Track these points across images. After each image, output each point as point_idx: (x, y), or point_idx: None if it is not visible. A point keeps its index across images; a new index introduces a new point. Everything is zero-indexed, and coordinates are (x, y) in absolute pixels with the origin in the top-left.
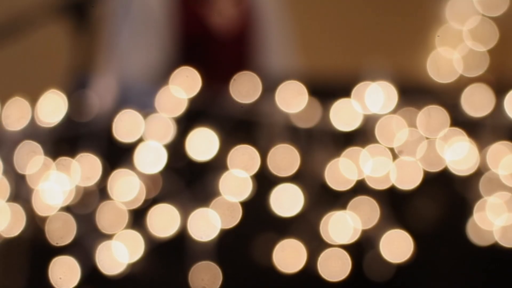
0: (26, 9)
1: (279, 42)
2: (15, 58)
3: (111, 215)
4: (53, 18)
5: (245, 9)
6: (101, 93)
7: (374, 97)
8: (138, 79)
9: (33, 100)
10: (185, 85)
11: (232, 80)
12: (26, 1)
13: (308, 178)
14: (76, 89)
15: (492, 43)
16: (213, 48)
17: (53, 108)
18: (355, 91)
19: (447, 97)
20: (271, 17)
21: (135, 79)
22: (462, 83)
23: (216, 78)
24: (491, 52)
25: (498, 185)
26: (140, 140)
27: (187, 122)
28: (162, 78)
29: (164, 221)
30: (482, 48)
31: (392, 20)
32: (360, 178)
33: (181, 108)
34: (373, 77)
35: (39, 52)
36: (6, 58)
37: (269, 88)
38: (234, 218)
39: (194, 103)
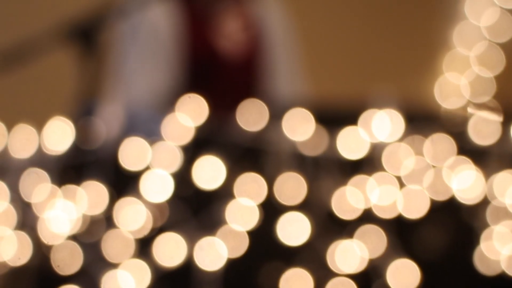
0: (32, 36)
1: (286, 68)
2: (21, 85)
3: (117, 244)
4: (59, 44)
5: (253, 34)
6: (107, 120)
7: (381, 125)
8: (145, 105)
9: (39, 126)
10: (192, 112)
11: (238, 107)
12: (31, 27)
13: (314, 206)
14: (82, 116)
15: (499, 69)
16: (220, 73)
17: (59, 135)
18: (362, 118)
19: (453, 125)
20: (279, 42)
21: (142, 106)
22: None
23: (223, 103)
24: (498, 78)
25: (505, 214)
26: (146, 168)
27: (194, 150)
28: (170, 103)
29: (171, 250)
30: (489, 74)
31: (399, 44)
32: (367, 206)
33: (188, 136)
34: (380, 105)
35: (45, 78)
36: (12, 84)
37: (276, 115)
38: (241, 247)
39: (201, 130)
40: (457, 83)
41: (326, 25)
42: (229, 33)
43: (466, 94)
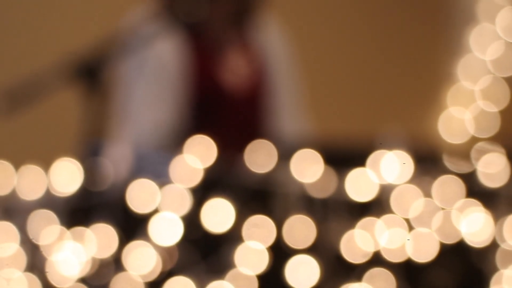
0: (37, 74)
1: (291, 103)
2: (27, 124)
3: (126, 287)
4: (64, 82)
5: (257, 68)
6: (115, 161)
7: (390, 166)
8: (152, 141)
9: (46, 167)
10: (200, 154)
11: (246, 148)
12: (36, 65)
13: (323, 249)
14: (89, 156)
15: (504, 104)
16: (226, 107)
17: (67, 176)
18: (370, 160)
19: (462, 166)
20: (283, 77)
21: (150, 146)
22: (476, 150)
23: (229, 137)
24: (503, 112)
25: None
26: (155, 211)
27: (202, 192)
28: (177, 137)
29: None
30: (494, 109)
31: (404, 77)
32: (375, 249)
33: (196, 178)
34: (388, 146)
35: (51, 118)
36: (18, 124)
37: (284, 156)
38: None
39: (210, 172)
40: (462, 117)
41: (330, 61)
42: (234, 68)
43: (471, 129)
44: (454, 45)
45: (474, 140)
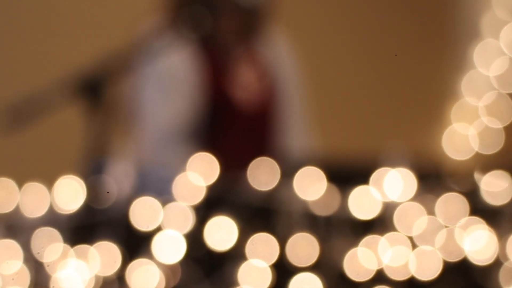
0: (39, 91)
1: (298, 119)
2: (30, 141)
3: None
4: (67, 99)
5: (267, 84)
6: (118, 179)
7: (393, 184)
8: (157, 160)
9: (49, 184)
10: (203, 171)
11: (250, 166)
12: (39, 82)
13: (327, 267)
14: (92, 174)
15: (508, 120)
16: (235, 121)
17: (70, 194)
18: (373, 177)
19: (466, 184)
20: (291, 93)
21: (153, 165)
22: (480, 167)
23: (237, 152)
24: (507, 128)
25: None
26: (158, 228)
27: (205, 210)
28: (185, 148)
29: None
30: (498, 125)
31: (408, 93)
32: (379, 267)
33: (199, 195)
34: (391, 163)
35: (54, 135)
36: (21, 141)
37: (288, 173)
38: None
39: (213, 190)
40: (466, 133)
41: (335, 77)
42: (244, 83)
43: (475, 145)
44: (458, 61)
45: (478, 156)
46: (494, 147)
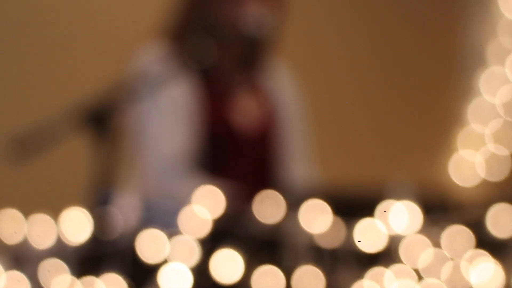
0: (46, 122)
1: (299, 150)
2: (36, 173)
3: None
4: (74, 130)
5: (267, 111)
6: (124, 211)
7: (398, 216)
8: (175, 171)
9: (56, 216)
10: (209, 205)
11: (255, 199)
12: (45, 114)
13: None
14: (99, 205)
15: None
16: (236, 148)
17: (77, 225)
18: (379, 210)
19: (471, 216)
20: (292, 122)
21: (159, 197)
22: (486, 198)
23: (239, 179)
24: None
25: None
26: (164, 261)
27: (211, 242)
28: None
29: None
30: (505, 152)
31: (414, 120)
32: None
33: (205, 228)
34: (397, 196)
35: (60, 166)
36: (27, 173)
37: (293, 206)
38: None
39: (218, 223)
40: (472, 160)
41: (339, 106)
42: (244, 110)
43: (481, 172)
44: (464, 88)
45: (484, 183)
46: (500, 174)
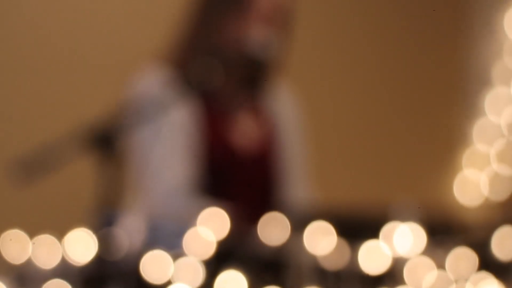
0: (51, 144)
1: (299, 171)
2: (42, 194)
3: None
4: (79, 152)
5: (268, 131)
6: (129, 232)
7: (403, 238)
8: (167, 213)
9: (60, 236)
10: (213, 226)
11: (259, 221)
12: (50, 135)
13: None
14: (103, 226)
15: None
16: (236, 169)
17: (81, 246)
18: (383, 232)
19: (475, 238)
20: (292, 144)
21: (164, 219)
22: (490, 219)
23: (240, 199)
24: None
25: None
26: (168, 282)
27: (215, 264)
28: (190, 202)
29: None
30: (509, 171)
31: (418, 140)
32: None
33: (209, 250)
34: (401, 218)
35: (65, 187)
36: (32, 194)
37: (297, 228)
38: None
39: (223, 245)
40: (476, 180)
41: (342, 126)
42: (245, 130)
43: (485, 191)
44: (469, 109)
45: (487, 202)
46: (504, 194)
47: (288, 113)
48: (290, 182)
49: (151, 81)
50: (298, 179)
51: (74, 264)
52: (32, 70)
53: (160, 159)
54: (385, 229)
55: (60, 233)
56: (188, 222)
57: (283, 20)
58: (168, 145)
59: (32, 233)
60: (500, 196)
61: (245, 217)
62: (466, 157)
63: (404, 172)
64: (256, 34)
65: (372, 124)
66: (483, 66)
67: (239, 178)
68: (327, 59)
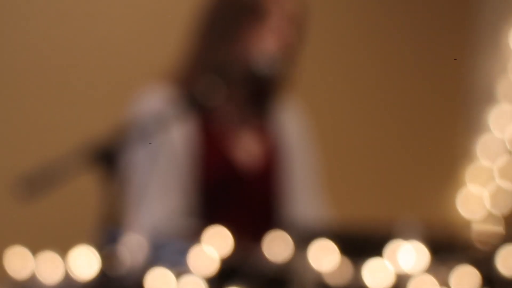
0: (55, 161)
1: (308, 187)
2: (45, 210)
3: None
4: (83, 169)
5: (271, 148)
6: (132, 249)
7: (406, 256)
8: (167, 228)
9: (63, 253)
10: (217, 244)
11: (263, 238)
12: (54, 152)
13: None
14: (106, 243)
15: None
16: (239, 186)
17: (84, 263)
18: (387, 249)
19: (479, 255)
20: (299, 159)
21: (167, 235)
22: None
23: (243, 217)
24: None
25: None
26: None
27: (219, 282)
28: (191, 220)
29: None
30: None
31: (422, 155)
32: None
33: (213, 268)
34: (405, 236)
35: (68, 204)
36: (36, 211)
37: (301, 245)
38: None
39: (226, 262)
40: (480, 195)
41: (348, 143)
42: (247, 147)
43: (488, 206)
44: (473, 124)
45: (491, 217)
46: (506, 208)
47: (296, 129)
48: (299, 199)
49: (154, 99)
50: (308, 195)
51: (77, 280)
52: (36, 87)
53: (154, 189)
54: (389, 247)
55: (63, 250)
56: (192, 239)
57: (294, 34)
58: (164, 170)
59: (35, 250)
60: (502, 210)
61: (249, 234)
62: (469, 173)
63: (408, 188)
64: (265, 50)
65: (376, 140)
66: (488, 82)
67: (241, 196)
68: (335, 76)
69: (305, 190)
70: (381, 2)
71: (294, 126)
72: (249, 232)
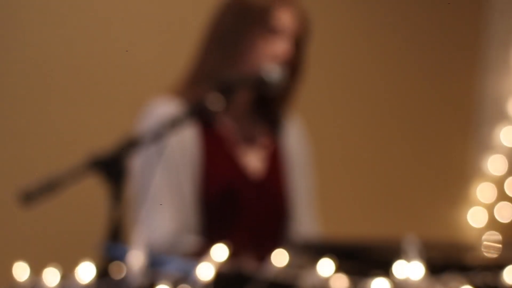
0: (59, 172)
1: (306, 205)
2: (47, 224)
3: None
4: (88, 179)
5: (276, 164)
6: (134, 266)
7: (409, 277)
8: (170, 246)
9: (68, 268)
10: (216, 261)
11: (266, 257)
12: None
13: None
14: (110, 259)
15: None
16: (242, 199)
17: (87, 279)
18: (390, 270)
19: (486, 278)
20: (300, 176)
21: (168, 253)
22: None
23: (245, 231)
24: None
25: None
26: None
27: None
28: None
29: None
30: None
31: (432, 173)
32: None
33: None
34: (408, 257)
35: (72, 219)
36: (38, 224)
37: (300, 263)
38: None
39: (228, 279)
40: (490, 212)
41: (352, 161)
42: (252, 162)
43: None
44: (483, 142)
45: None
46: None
47: (299, 146)
48: (297, 216)
49: (164, 110)
50: (306, 213)
51: None
52: (44, 99)
53: (157, 201)
54: (394, 266)
55: (67, 266)
56: (193, 257)
57: (296, 53)
58: (172, 182)
59: (39, 265)
60: (506, 219)
61: (251, 251)
62: (480, 189)
63: (417, 205)
64: (273, 58)
65: (384, 157)
66: (498, 99)
67: (244, 209)
68: (337, 93)
69: (304, 208)
70: (392, 22)
71: (298, 143)
72: (251, 246)
